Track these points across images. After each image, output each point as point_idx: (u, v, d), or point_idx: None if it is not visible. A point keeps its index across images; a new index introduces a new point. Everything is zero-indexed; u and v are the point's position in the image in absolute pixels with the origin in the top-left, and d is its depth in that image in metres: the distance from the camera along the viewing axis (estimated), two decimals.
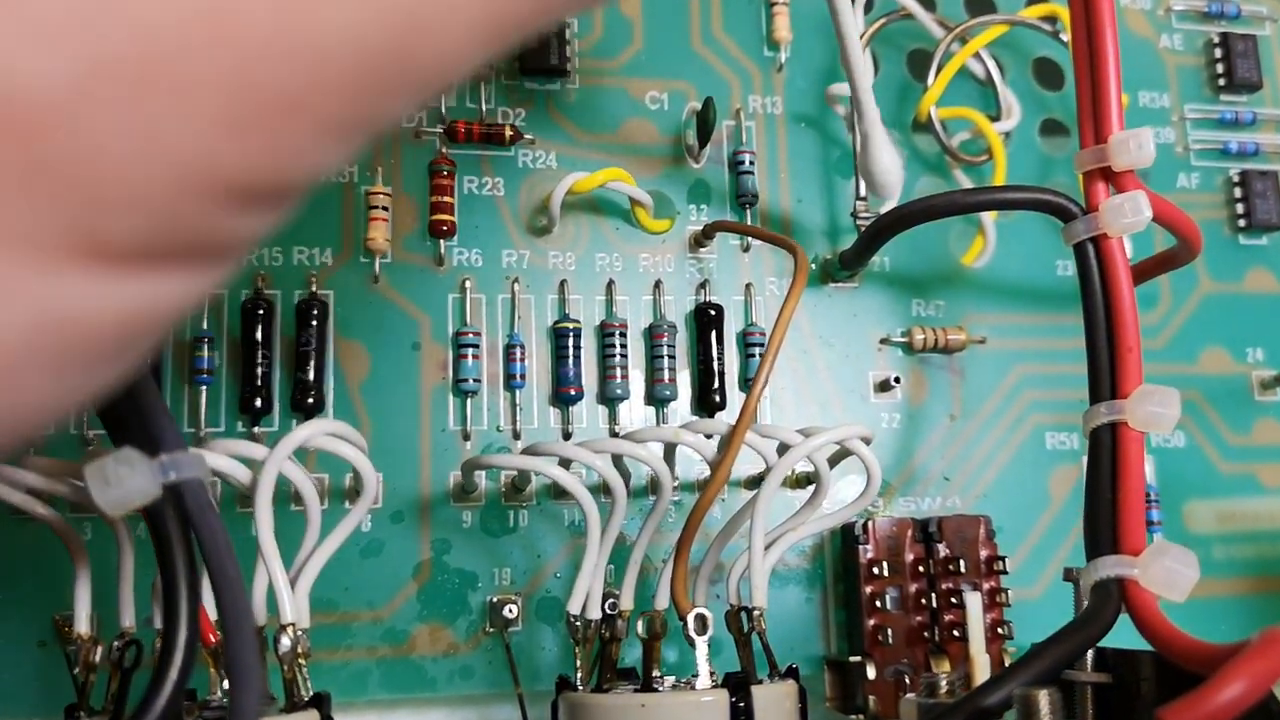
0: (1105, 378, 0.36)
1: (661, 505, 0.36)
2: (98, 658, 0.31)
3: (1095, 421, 0.35)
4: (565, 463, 0.35)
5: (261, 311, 0.40)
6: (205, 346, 0.39)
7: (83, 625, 0.32)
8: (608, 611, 0.36)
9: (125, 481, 0.26)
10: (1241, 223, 0.50)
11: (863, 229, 0.44)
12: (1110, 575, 0.32)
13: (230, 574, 0.26)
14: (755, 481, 0.42)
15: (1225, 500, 0.47)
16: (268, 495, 0.31)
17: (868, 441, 0.36)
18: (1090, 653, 0.34)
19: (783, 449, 0.36)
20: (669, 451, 0.36)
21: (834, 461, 0.38)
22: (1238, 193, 0.50)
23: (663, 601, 0.36)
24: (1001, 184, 0.45)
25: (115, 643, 0.31)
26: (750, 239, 0.44)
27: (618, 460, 0.36)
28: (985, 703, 0.28)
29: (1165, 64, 0.51)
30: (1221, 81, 0.51)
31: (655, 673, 0.35)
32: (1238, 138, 0.51)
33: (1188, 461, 0.47)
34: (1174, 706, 0.25)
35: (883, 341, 0.45)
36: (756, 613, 0.35)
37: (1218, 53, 0.51)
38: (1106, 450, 0.35)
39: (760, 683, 0.34)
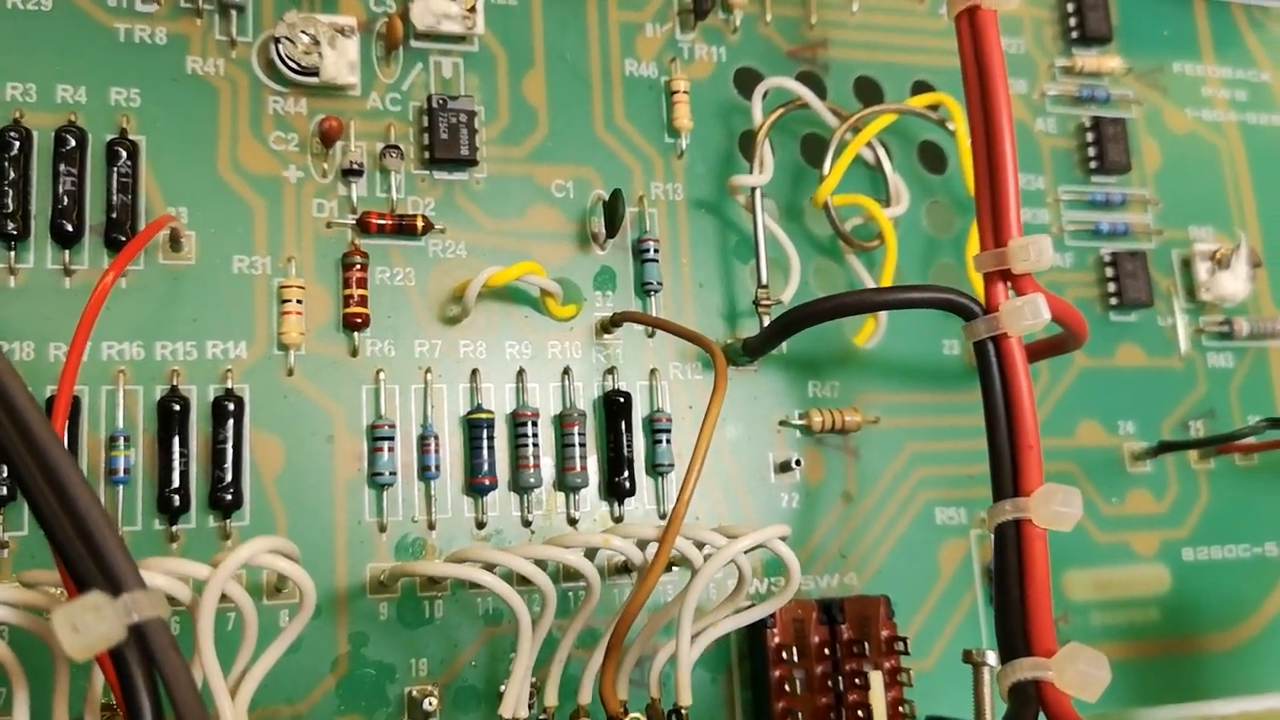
0: (1008, 474, 0.40)
1: (589, 606, 0.38)
2: None
3: (1000, 518, 0.39)
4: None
5: (178, 408, 0.41)
6: (121, 445, 0.40)
7: None
8: (534, 710, 0.38)
9: (93, 628, 0.27)
10: (1113, 300, 0.55)
11: (763, 315, 0.47)
12: (1028, 678, 0.36)
13: (197, 714, 0.28)
14: (671, 566, 0.45)
15: (1101, 569, 0.52)
16: (210, 615, 0.33)
17: (785, 538, 0.40)
18: None
19: (702, 545, 0.39)
20: (590, 551, 0.39)
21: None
22: (1109, 272, 0.55)
23: (586, 696, 0.39)
24: (907, 284, 0.49)
25: None
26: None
27: (543, 563, 0.38)
28: None
29: (1040, 147, 0.56)
30: (1093, 164, 0.56)
31: None
32: (1109, 218, 0.56)
33: (1066, 532, 0.52)
34: None
35: (781, 423, 0.49)
36: (683, 710, 0.38)
37: (1089, 136, 0.56)
38: (1012, 547, 0.39)
39: None
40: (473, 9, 0.47)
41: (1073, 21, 0.58)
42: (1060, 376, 0.54)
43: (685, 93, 0.50)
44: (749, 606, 0.41)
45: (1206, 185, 0.59)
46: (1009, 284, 0.41)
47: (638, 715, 0.37)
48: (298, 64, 0.44)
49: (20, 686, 0.33)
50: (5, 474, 0.39)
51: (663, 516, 0.46)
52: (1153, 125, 0.58)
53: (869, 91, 0.54)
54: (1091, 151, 0.56)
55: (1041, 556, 0.38)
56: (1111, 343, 0.55)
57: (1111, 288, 0.55)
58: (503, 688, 0.42)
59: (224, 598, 0.34)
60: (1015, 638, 0.36)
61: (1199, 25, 0.61)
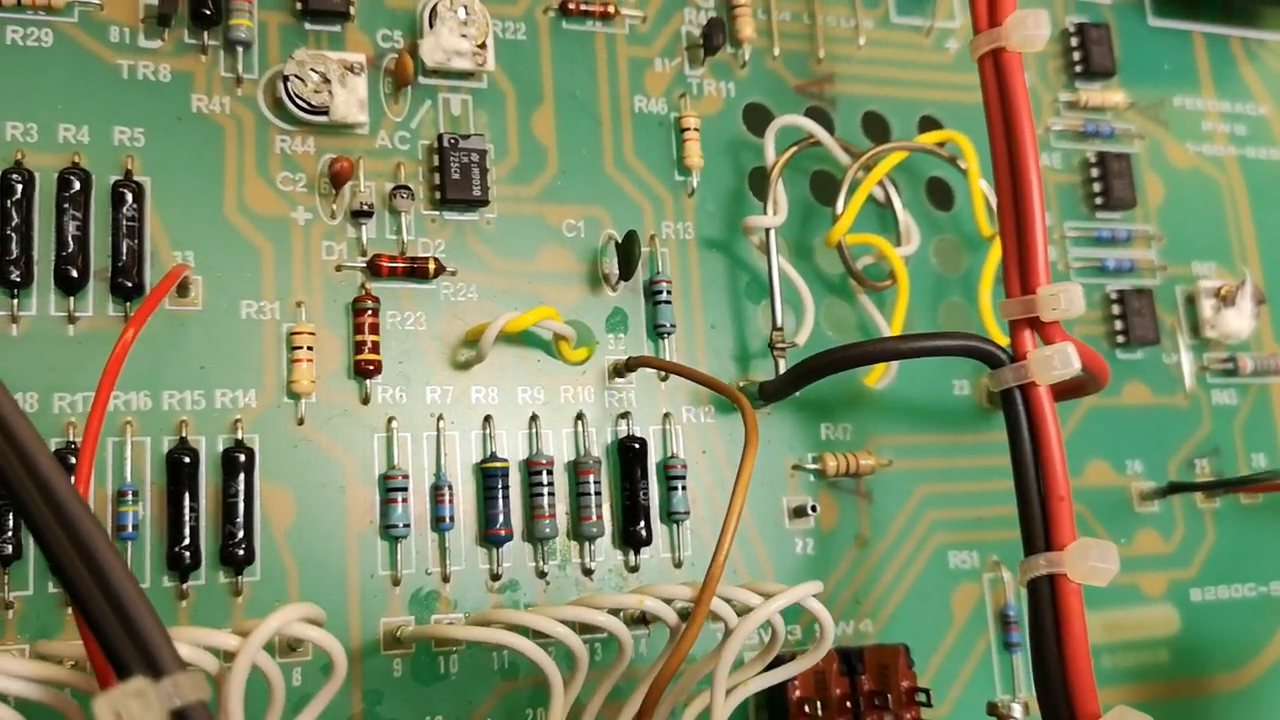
0: (1039, 527, 0.40)
1: (620, 667, 0.38)
2: None
3: (1034, 573, 0.39)
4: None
5: (187, 460, 0.40)
6: (130, 499, 0.40)
7: None
8: None
9: (137, 716, 0.27)
10: (1120, 338, 0.55)
11: (779, 358, 0.47)
12: None
13: None
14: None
15: (1111, 611, 0.53)
16: (240, 689, 0.32)
17: (818, 596, 0.40)
18: None
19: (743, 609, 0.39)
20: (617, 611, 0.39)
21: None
22: (1115, 309, 0.56)
23: None
24: (934, 332, 0.50)
25: None
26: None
27: (577, 625, 0.38)
28: None
29: (1045, 182, 0.56)
30: (1099, 200, 0.57)
31: None
32: (1114, 255, 0.56)
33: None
34: None
35: (795, 467, 0.49)
36: None
37: (1094, 172, 0.57)
38: (1047, 603, 0.39)
39: None
40: (483, 45, 0.46)
41: (1076, 56, 0.58)
42: (1068, 416, 0.54)
43: (695, 129, 0.50)
44: (778, 663, 0.41)
45: (1208, 220, 0.59)
46: (1036, 332, 0.41)
47: None
48: (307, 103, 0.44)
49: None
50: (9, 533, 0.38)
51: (678, 565, 0.46)
52: (1155, 160, 0.59)
53: (876, 127, 0.54)
54: (1097, 187, 0.57)
55: (1078, 613, 0.38)
56: (1119, 381, 0.55)
57: (1119, 325, 0.55)
58: None
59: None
60: (1058, 700, 0.37)
61: (1198, 58, 0.62)
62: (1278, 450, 0.57)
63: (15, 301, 0.41)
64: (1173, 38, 0.62)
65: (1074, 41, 0.58)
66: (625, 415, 0.47)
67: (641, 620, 0.44)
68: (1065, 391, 0.47)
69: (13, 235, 0.40)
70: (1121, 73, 0.59)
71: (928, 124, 0.55)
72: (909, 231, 0.52)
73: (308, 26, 0.46)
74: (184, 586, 0.40)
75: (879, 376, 0.50)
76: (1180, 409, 0.56)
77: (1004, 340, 0.42)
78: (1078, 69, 0.58)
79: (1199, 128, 0.61)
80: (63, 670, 0.33)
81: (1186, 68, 0.62)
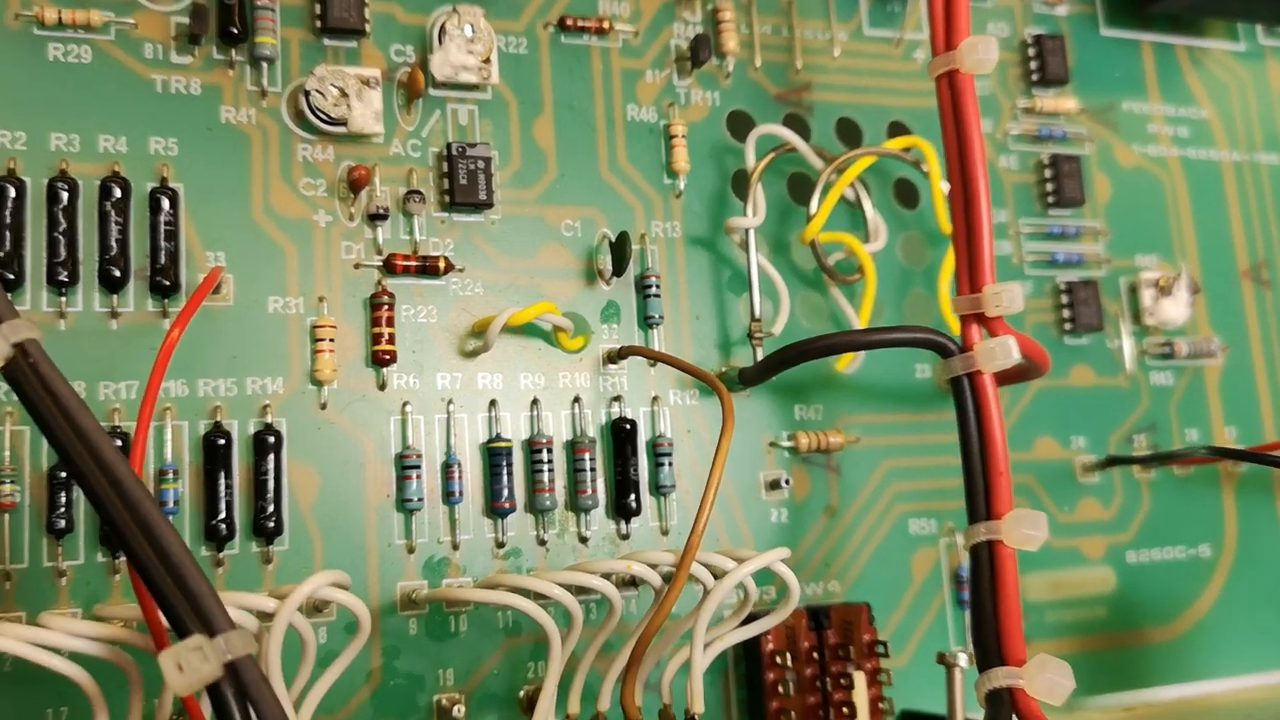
0: (981, 499, 0.43)
1: (611, 624, 0.41)
2: None
3: (975, 539, 0.42)
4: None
5: (221, 442, 0.43)
6: (170, 478, 0.43)
7: None
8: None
9: (197, 668, 0.30)
10: (1068, 325, 0.58)
11: (756, 346, 0.50)
12: (1002, 685, 0.39)
13: None
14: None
15: (1055, 571, 0.56)
16: (279, 646, 0.35)
17: (787, 560, 0.43)
18: None
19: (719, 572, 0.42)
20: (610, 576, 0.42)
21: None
22: (1064, 299, 0.58)
23: (605, 703, 0.42)
24: (893, 325, 0.53)
25: None
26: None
27: (573, 587, 0.41)
28: None
29: (1004, 183, 0.59)
30: (1051, 199, 0.59)
31: None
32: (1064, 249, 0.59)
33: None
34: None
35: (771, 444, 0.52)
36: (697, 717, 0.41)
37: (1048, 172, 0.60)
38: (986, 565, 0.42)
39: None
40: (488, 60, 0.49)
41: (1033, 65, 0.61)
42: (1020, 396, 0.57)
43: (683, 136, 0.52)
44: (751, 619, 0.44)
45: (1151, 216, 0.62)
46: (983, 326, 0.44)
47: None
48: (327, 115, 0.46)
49: (101, 712, 0.36)
50: (66, 508, 0.41)
51: (664, 533, 0.49)
52: (1104, 161, 0.62)
53: (849, 131, 0.57)
54: (1050, 186, 0.59)
55: (1012, 574, 0.41)
56: (1066, 364, 0.58)
57: (1066, 313, 0.58)
58: (522, 693, 0.45)
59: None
60: (990, 648, 0.40)
61: (1146, 66, 0.64)
62: (1210, 426, 0.61)
63: (63, 299, 0.43)
64: (1123, 47, 0.64)
65: (1031, 52, 0.61)
66: (618, 399, 0.50)
67: (631, 583, 0.47)
68: (1011, 377, 0.50)
69: (60, 239, 0.43)
70: (1075, 80, 0.62)
71: (897, 129, 0.57)
72: (877, 229, 0.55)
73: (327, 43, 0.48)
74: (220, 555, 0.43)
75: (848, 362, 0.53)
76: (1122, 389, 0.59)
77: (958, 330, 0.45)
78: (1034, 77, 0.61)
79: (1145, 130, 0.63)
80: (121, 630, 0.36)
81: (1135, 75, 0.64)
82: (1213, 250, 0.63)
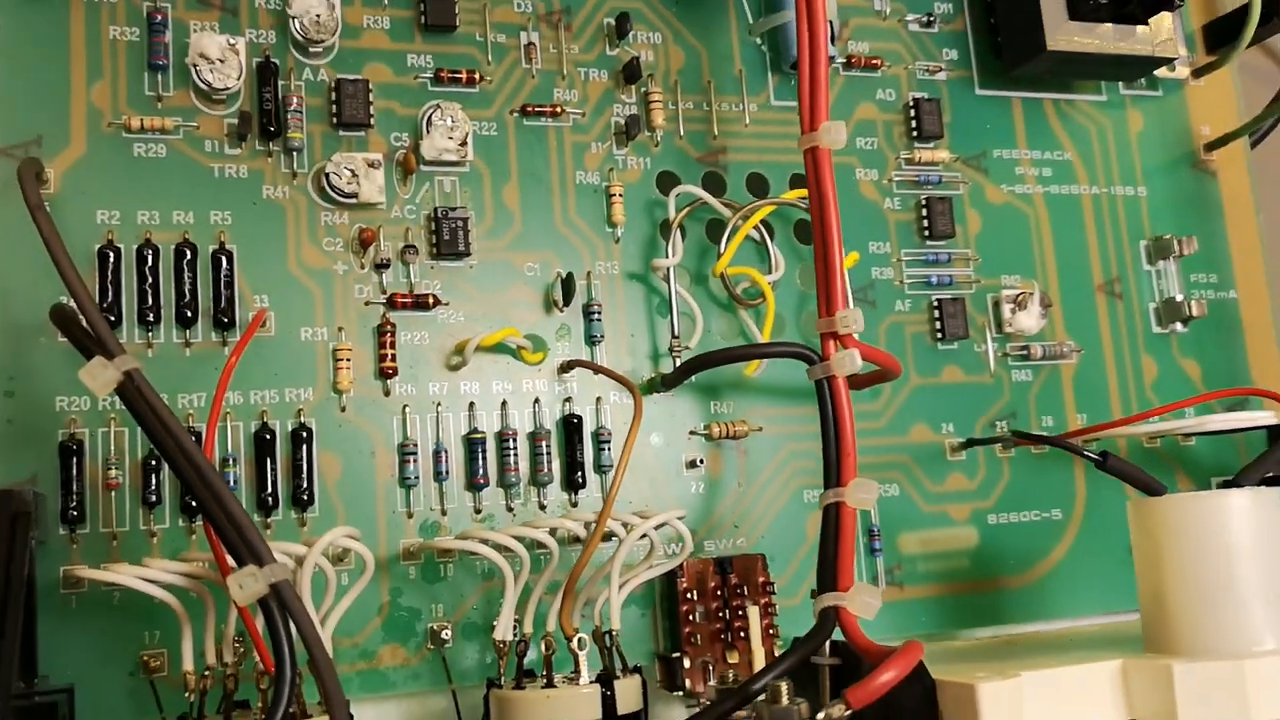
0: (834, 471, 0.57)
1: (552, 566, 0.56)
2: (206, 683, 0.50)
3: (826, 501, 0.56)
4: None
5: (268, 437, 0.58)
6: (231, 463, 0.58)
7: (187, 664, 0.50)
8: (516, 635, 0.56)
9: (251, 586, 0.45)
10: (939, 334, 0.72)
11: (676, 357, 0.65)
12: (829, 605, 0.53)
13: (322, 654, 0.45)
14: (607, 537, 0.62)
15: (926, 531, 0.70)
16: (309, 578, 0.50)
17: (682, 518, 0.57)
18: (829, 645, 0.55)
19: (629, 527, 0.56)
20: (553, 530, 0.57)
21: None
22: (936, 314, 0.72)
23: (551, 625, 0.57)
24: (770, 342, 0.66)
25: (224, 671, 0.50)
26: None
27: (521, 538, 0.56)
28: (752, 688, 0.49)
29: (888, 220, 0.73)
30: (927, 232, 0.73)
31: (550, 673, 0.55)
32: (937, 273, 0.73)
33: (901, 505, 0.69)
34: (853, 687, 0.47)
35: (691, 433, 0.66)
36: (615, 632, 0.56)
37: (924, 211, 0.73)
38: (832, 520, 0.56)
39: (618, 677, 0.54)
40: (464, 142, 0.64)
41: (913, 124, 0.75)
42: (899, 392, 0.71)
43: (620, 195, 0.67)
44: (661, 564, 0.59)
45: (1016, 244, 0.76)
46: (837, 340, 0.58)
47: (583, 635, 0.54)
48: (342, 190, 0.61)
49: (186, 625, 0.51)
50: (156, 486, 0.56)
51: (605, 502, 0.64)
52: (975, 199, 0.75)
53: (757, 184, 0.71)
54: (925, 223, 0.73)
55: (850, 525, 0.53)
56: (938, 365, 0.72)
57: (938, 325, 0.72)
58: (495, 622, 0.60)
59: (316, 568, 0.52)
60: (827, 579, 0.53)
61: (1015, 119, 0.78)
62: (1064, 414, 0.74)
63: (150, 334, 0.58)
64: (995, 103, 0.77)
65: (911, 113, 0.75)
66: (568, 399, 0.64)
67: (576, 540, 0.62)
68: (873, 379, 0.64)
69: (147, 290, 0.58)
70: (950, 134, 0.76)
71: (797, 181, 0.71)
72: (777, 262, 0.69)
73: (341, 134, 0.63)
74: (268, 520, 0.58)
75: (754, 369, 0.68)
76: (987, 385, 0.73)
77: None
78: (914, 133, 0.75)
79: (1013, 172, 0.77)
80: (199, 568, 0.51)
81: (1005, 126, 0.77)
82: (1071, 270, 0.77)
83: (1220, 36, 0.83)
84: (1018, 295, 0.73)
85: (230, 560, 0.47)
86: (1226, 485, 0.58)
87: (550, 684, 0.54)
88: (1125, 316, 0.77)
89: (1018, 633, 0.70)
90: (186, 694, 0.50)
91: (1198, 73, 0.83)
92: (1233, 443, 0.77)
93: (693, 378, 0.66)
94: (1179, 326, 0.78)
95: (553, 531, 0.57)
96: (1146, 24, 0.74)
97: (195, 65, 0.60)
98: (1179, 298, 0.77)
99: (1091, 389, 0.75)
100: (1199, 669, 0.51)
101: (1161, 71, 0.80)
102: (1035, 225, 0.76)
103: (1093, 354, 0.76)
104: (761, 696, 0.49)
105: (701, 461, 0.65)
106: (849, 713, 0.46)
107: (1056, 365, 0.74)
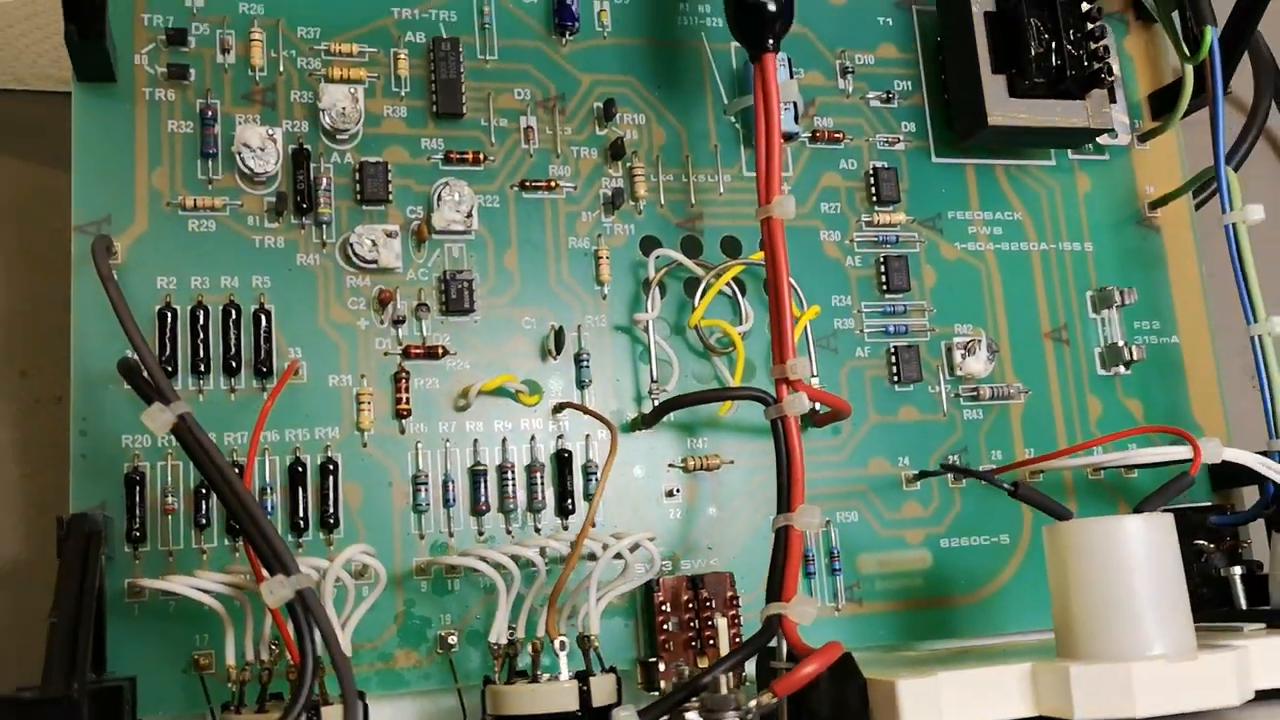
0: (785, 497, 0.65)
1: (539, 580, 0.65)
2: (246, 676, 0.60)
3: (778, 524, 0.65)
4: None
5: (301, 469, 0.68)
6: (269, 492, 0.67)
7: (230, 659, 0.60)
8: (510, 639, 0.65)
9: (279, 592, 0.54)
10: (895, 378, 0.81)
11: (654, 399, 0.74)
12: (773, 613, 0.62)
13: (339, 651, 0.54)
14: (591, 557, 0.70)
15: (883, 553, 0.78)
16: (331, 588, 0.60)
17: (653, 539, 0.66)
18: (786, 650, 0.63)
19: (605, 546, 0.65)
20: (542, 550, 0.66)
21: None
22: (893, 359, 0.81)
23: (540, 632, 0.66)
24: (732, 386, 0.75)
25: (262, 667, 0.60)
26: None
27: (515, 556, 0.65)
28: (700, 681, 0.58)
29: (850, 276, 0.82)
30: (884, 286, 0.82)
31: (538, 672, 0.64)
32: (893, 322, 0.82)
33: (860, 530, 0.78)
34: (779, 679, 0.56)
35: (670, 465, 0.75)
36: (593, 637, 0.65)
37: (883, 268, 0.82)
38: (782, 540, 0.64)
39: (594, 675, 0.63)
40: (470, 215, 0.73)
41: (873, 190, 0.84)
42: (859, 429, 0.79)
43: (607, 257, 0.76)
44: (634, 579, 0.67)
45: (969, 296, 0.84)
46: (789, 384, 0.67)
47: (565, 639, 0.63)
48: (364, 258, 0.71)
49: (229, 628, 0.60)
50: (205, 511, 0.66)
51: (593, 525, 0.73)
52: (931, 256, 0.84)
53: (731, 246, 0.80)
54: (883, 279, 0.82)
55: (797, 545, 0.62)
56: (895, 405, 0.80)
57: (894, 370, 0.81)
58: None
59: (337, 580, 0.61)
60: (774, 590, 0.62)
61: (969, 184, 0.86)
62: (1012, 449, 0.82)
63: (200, 382, 0.68)
64: (950, 170, 0.86)
65: (871, 180, 0.84)
66: (560, 436, 0.73)
67: (563, 558, 0.71)
68: (828, 418, 0.73)
69: (199, 345, 0.68)
70: (907, 198, 0.84)
71: None
72: (747, 314, 0.78)
73: (364, 208, 0.73)
74: (299, 540, 0.67)
75: (726, 409, 0.77)
76: (940, 423, 0.81)
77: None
78: (874, 198, 0.84)
79: (966, 231, 0.85)
80: (240, 579, 0.60)
81: (959, 190, 0.86)
82: (1020, 319, 0.85)
83: (1163, 104, 0.91)
84: (967, 342, 0.82)
85: (264, 571, 0.56)
86: (1136, 511, 0.66)
87: (535, 680, 0.63)
88: (1071, 360, 0.85)
89: (968, 645, 0.78)
90: (229, 685, 0.60)
91: (1143, 137, 0.91)
92: (1172, 474, 0.84)
93: (671, 416, 0.75)
94: (1121, 369, 0.85)
95: (542, 551, 0.66)
96: (1083, 99, 0.82)
97: (240, 153, 0.70)
98: (1120, 343, 0.85)
99: (1039, 426, 0.83)
100: (1093, 670, 0.59)
101: (1104, 139, 0.88)
102: (987, 279, 0.85)
103: (1040, 395, 0.84)
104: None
105: (678, 491, 0.74)
106: (775, 700, 0.54)
107: (1005, 405, 0.83)
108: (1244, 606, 0.75)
